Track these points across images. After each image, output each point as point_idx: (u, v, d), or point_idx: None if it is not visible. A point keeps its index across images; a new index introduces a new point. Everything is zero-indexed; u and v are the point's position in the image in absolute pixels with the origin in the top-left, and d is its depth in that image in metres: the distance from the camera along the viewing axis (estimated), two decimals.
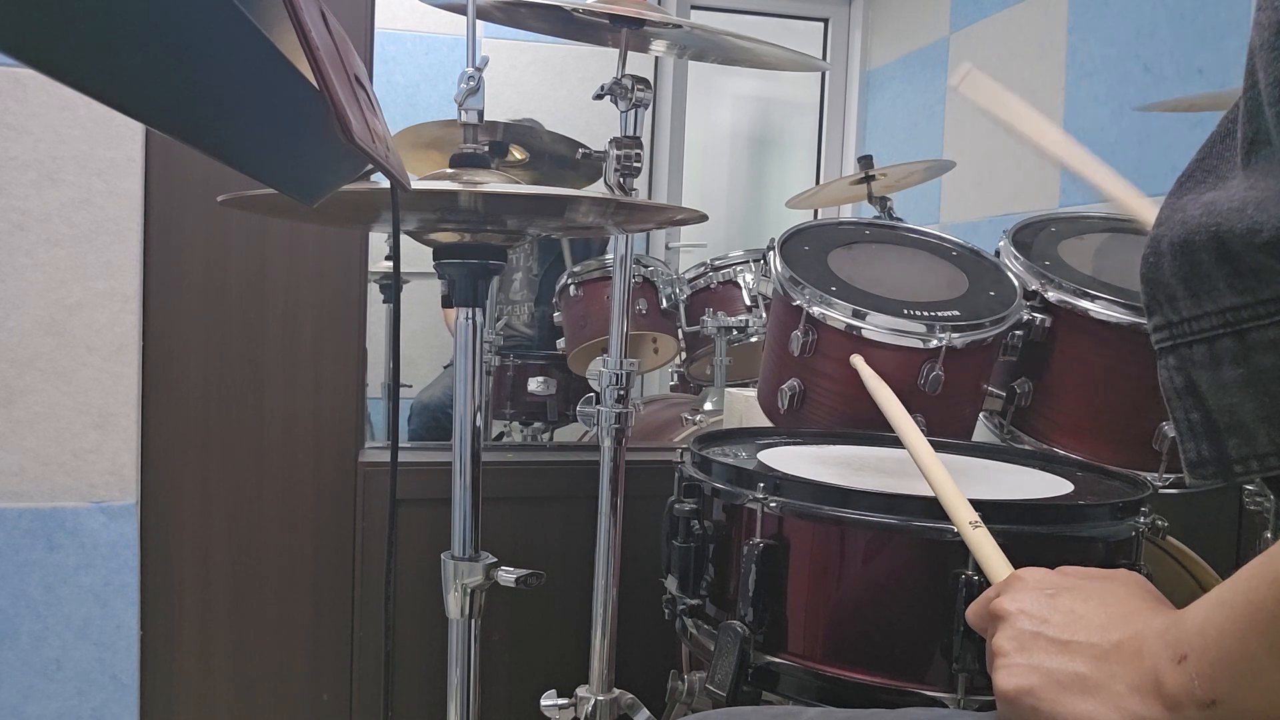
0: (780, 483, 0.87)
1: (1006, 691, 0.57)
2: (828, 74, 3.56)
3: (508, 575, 1.10)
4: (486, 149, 1.31)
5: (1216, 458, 0.53)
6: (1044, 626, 0.57)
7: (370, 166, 0.52)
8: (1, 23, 0.30)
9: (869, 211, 2.42)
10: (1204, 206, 0.52)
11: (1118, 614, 0.56)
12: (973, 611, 0.65)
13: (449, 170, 1.03)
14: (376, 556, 1.57)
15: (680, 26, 1.35)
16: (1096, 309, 1.15)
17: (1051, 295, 1.19)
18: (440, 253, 1.08)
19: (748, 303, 2.15)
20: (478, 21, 1.10)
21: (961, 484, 0.93)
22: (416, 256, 1.22)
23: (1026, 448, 1.21)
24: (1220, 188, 0.53)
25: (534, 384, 2.43)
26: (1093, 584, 0.60)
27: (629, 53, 1.30)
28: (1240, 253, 0.50)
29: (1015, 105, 1.02)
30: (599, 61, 1.53)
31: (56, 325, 1.43)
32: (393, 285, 2.47)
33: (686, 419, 2.02)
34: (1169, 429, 1.13)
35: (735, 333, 2.07)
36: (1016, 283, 1.23)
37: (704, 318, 2.08)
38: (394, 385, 2.00)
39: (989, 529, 0.77)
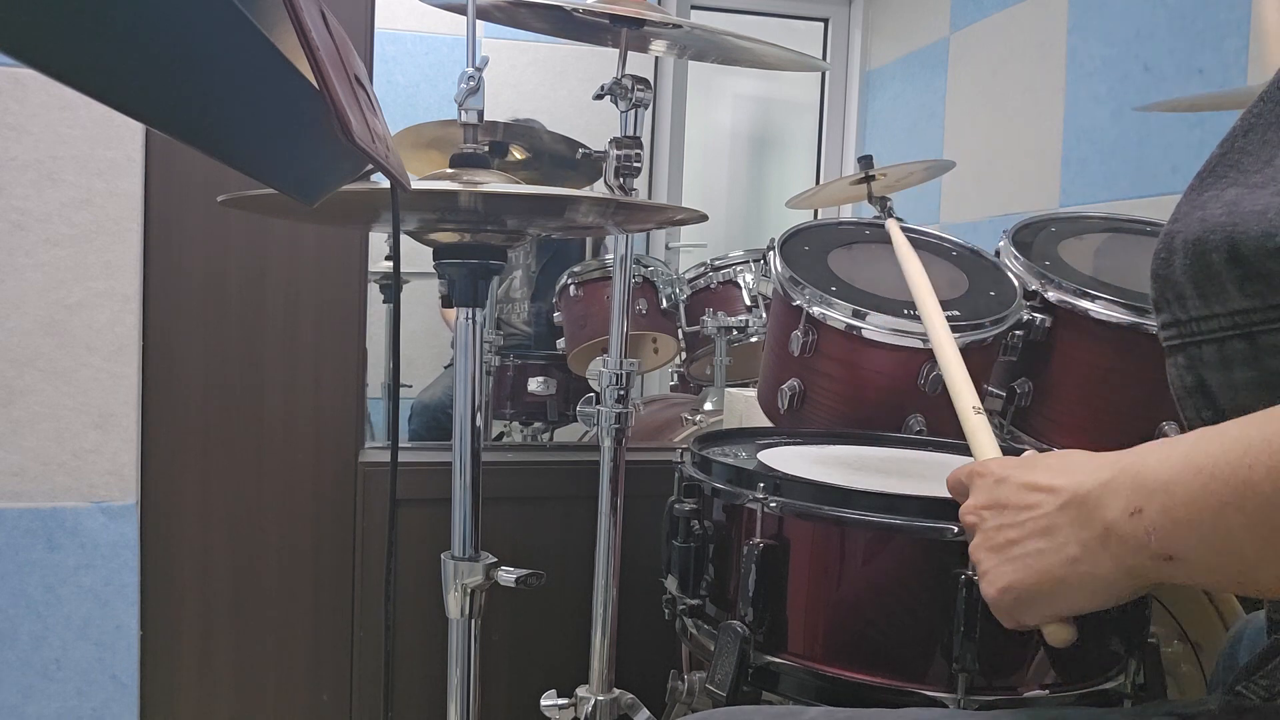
0: (780, 483, 0.86)
1: (990, 596, 0.60)
2: (828, 74, 3.56)
3: (508, 575, 1.10)
4: (486, 149, 1.31)
5: None
6: (1002, 516, 0.60)
7: (370, 166, 0.52)
8: (1, 23, 0.30)
9: (869, 211, 2.42)
10: (1226, 206, 0.52)
11: (1060, 477, 0.58)
12: (950, 486, 0.69)
13: (449, 170, 1.03)
14: (376, 556, 1.57)
15: (680, 26, 1.35)
16: (1096, 309, 1.15)
17: (1051, 295, 1.19)
18: (440, 253, 1.08)
19: (748, 303, 2.15)
20: (478, 21, 1.09)
21: None
22: (416, 256, 1.22)
23: (1027, 448, 1.21)
24: (1242, 184, 0.53)
25: (534, 384, 2.43)
26: (1041, 456, 0.63)
27: (629, 53, 1.30)
28: (1251, 257, 0.50)
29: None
30: (599, 61, 1.53)
31: (56, 325, 1.43)
32: (393, 285, 2.47)
33: (686, 419, 2.02)
34: (1169, 429, 1.13)
35: (735, 333, 2.07)
36: (1016, 283, 1.23)
37: (704, 318, 2.08)
38: (394, 385, 2.00)
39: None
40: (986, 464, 0.66)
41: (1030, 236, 1.30)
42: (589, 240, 2.64)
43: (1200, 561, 0.48)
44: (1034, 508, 0.58)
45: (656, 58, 3.11)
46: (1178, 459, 0.50)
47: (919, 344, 1.13)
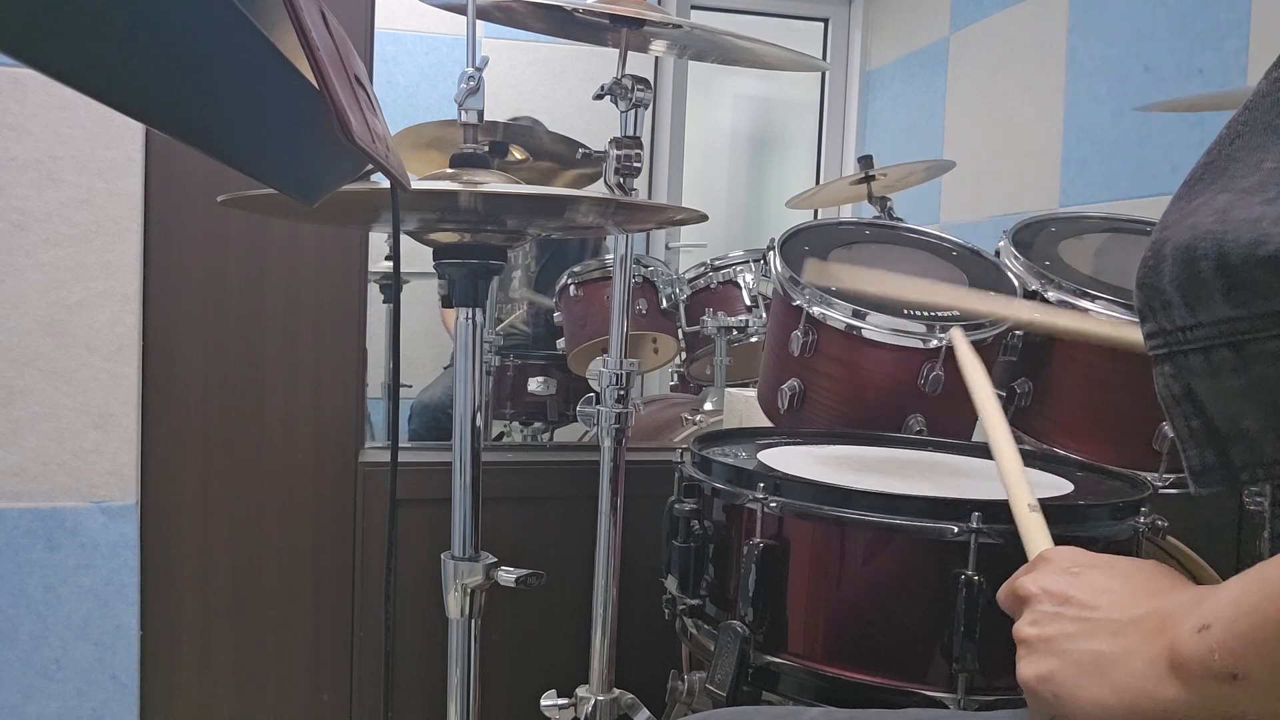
0: (780, 483, 0.86)
1: (1027, 680, 0.56)
2: (828, 74, 3.56)
3: (508, 575, 1.10)
4: (486, 149, 1.31)
5: (1220, 465, 0.53)
6: (1065, 607, 0.57)
7: (370, 166, 0.52)
8: (1, 23, 0.30)
9: (869, 211, 2.42)
10: (1216, 213, 0.51)
11: (1143, 590, 0.55)
12: (1002, 593, 0.64)
13: (449, 170, 1.03)
14: (376, 556, 1.57)
15: (680, 26, 1.35)
16: (1096, 309, 1.15)
17: (1051, 295, 1.19)
18: (440, 253, 1.08)
19: (748, 303, 2.15)
20: (478, 21, 1.09)
21: (962, 484, 0.93)
22: (416, 256, 1.22)
23: (1026, 448, 1.21)
24: (1232, 190, 0.52)
25: (534, 384, 2.43)
26: (1121, 561, 0.59)
27: (629, 53, 1.30)
28: (1238, 265, 0.49)
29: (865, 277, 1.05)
30: (599, 61, 1.53)
31: (56, 325, 1.43)
32: (393, 285, 2.46)
33: (686, 419, 2.02)
34: (1169, 429, 1.13)
35: (735, 333, 2.07)
36: (1016, 283, 1.23)
37: (704, 318, 2.08)
38: (394, 385, 2.00)
39: (990, 529, 0.78)
40: (1060, 551, 0.62)
41: (1030, 236, 1.30)
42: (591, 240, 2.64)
43: (1267, 681, 0.46)
44: (1101, 609, 0.55)
45: (656, 58, 3.11)
46: (1251, 575, 0.48)
47: (919, 344, 1.13)
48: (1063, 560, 0.60)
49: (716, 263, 2.20)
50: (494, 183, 0.98)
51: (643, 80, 1.29)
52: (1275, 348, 0.49)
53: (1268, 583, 0.46)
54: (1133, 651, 0.52)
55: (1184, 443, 0.54)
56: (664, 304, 2.19)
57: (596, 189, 1.37)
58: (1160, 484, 1.15)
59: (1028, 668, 0.56)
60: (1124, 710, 0.51)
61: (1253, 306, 0.49)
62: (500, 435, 2.68)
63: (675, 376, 2.54)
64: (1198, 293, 0.51)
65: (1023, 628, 0.58)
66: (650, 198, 3.41)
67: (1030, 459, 1.11)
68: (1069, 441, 1.20)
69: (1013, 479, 0.75)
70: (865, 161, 2.40)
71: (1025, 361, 1.22)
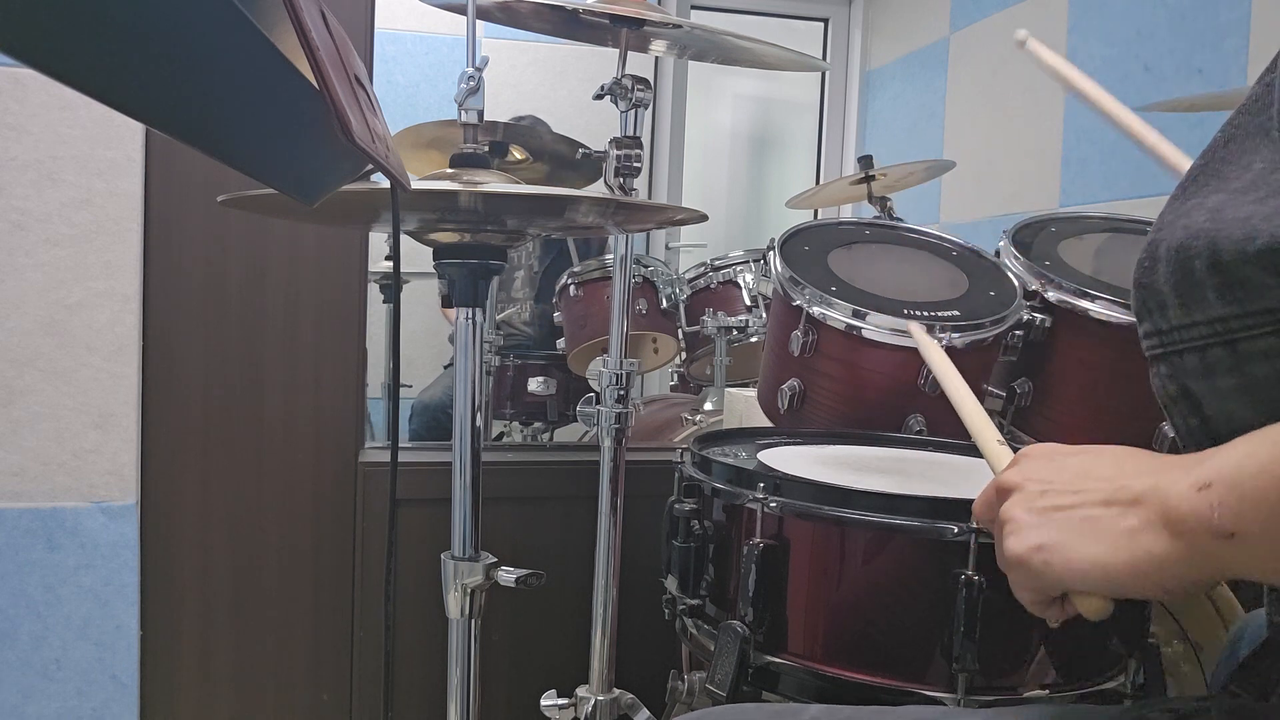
0: (780, 483, 0.86)
1: (1018, 553, 0.55)
2: (828, 74, 3.56)
3: (508, 575, 1.10)
4: (486, 149, 1.31)
5: None
6: (1052, 484, 0.56)
7: (370, 166, 0.52)
8: (1, 23, 0.30)
9: (869, 211, 2.42)
10: (1209, 213, 0.52)
11: (1131, 468, 0.54)
12: (979, 503, 0.63)
13: (449, 170, 1.03)
14: (376, 556, 1.57)
15: (680, 26, 1.35)
16: (1096, 309, 1.15)
17: (1051, 295, 1.19)
18: (440, 253, 1.08)
19: (748, 303, 2.15)
20: (478, 21, 1.09)
21: (962, 484, 0.93)
22: (416, 256, 1.22)
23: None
24: (1224, 190, 0.53)
25: (534, 384, 2.43)
26: (1104, 448, 0.58)
27: (629, 53, 1.30)
28: (1230, 263, 0.49)
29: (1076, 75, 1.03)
30: (599, 61, 1.53)
31: (56, 325, 1.43)
32: (393, 285, 2.46)
33: (686, 419, 2.02)
34: (1169, 429, 1.13)
35: (735, 333, 2.07)
36: (1016, 283, 1.23)
37: (704, 318, 2.08)
38: (394, 385, 2.00)
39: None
40: (1039, 445, 0.62)
41: (1030, 236, 1.30)
42: (572, 242, 2.63)
43: (1263, 538, 0.46)
44: (1089, 490, 0.54)
45: (656, 58, 3.11)
46: (1257, 438, 0.48)
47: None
48: (1045, 451, 0.60)
49: (716, 263, 2.20)
50: (494, 183, 0.98)
51: (643, 80, 1.29)
52: (1268, 345, 0.49)
53: (1277, 446, 0.47)
54: (1126, 513, 0.52)
55: (1184, 440, 0.55)
56: (664, 304, 2.19)
57: (596, 189, 1.37)
58: None
59: (1018, 543, 0.56)
60: (1119, 566, 0.52)
61: (1245, 304, 0.49)
62: (500, 435, 2.68)
63: (675, 376, 2.54)
64: (1192, 292, 0.52)
65: (1008, 508, 0.57)
66: (650, 198, 3.41)
67: None
68: (1068, 442, 1.20)
69: (978, 421, 0.76)
70: (865, 161, 2.40)
71: (1025, 361, 1.22)
